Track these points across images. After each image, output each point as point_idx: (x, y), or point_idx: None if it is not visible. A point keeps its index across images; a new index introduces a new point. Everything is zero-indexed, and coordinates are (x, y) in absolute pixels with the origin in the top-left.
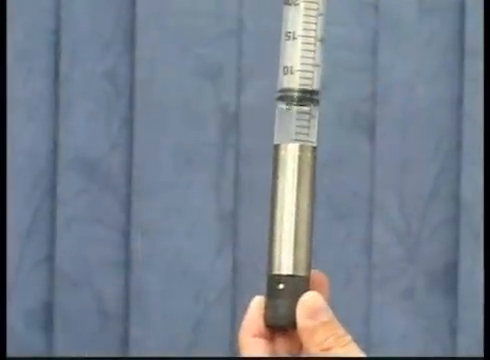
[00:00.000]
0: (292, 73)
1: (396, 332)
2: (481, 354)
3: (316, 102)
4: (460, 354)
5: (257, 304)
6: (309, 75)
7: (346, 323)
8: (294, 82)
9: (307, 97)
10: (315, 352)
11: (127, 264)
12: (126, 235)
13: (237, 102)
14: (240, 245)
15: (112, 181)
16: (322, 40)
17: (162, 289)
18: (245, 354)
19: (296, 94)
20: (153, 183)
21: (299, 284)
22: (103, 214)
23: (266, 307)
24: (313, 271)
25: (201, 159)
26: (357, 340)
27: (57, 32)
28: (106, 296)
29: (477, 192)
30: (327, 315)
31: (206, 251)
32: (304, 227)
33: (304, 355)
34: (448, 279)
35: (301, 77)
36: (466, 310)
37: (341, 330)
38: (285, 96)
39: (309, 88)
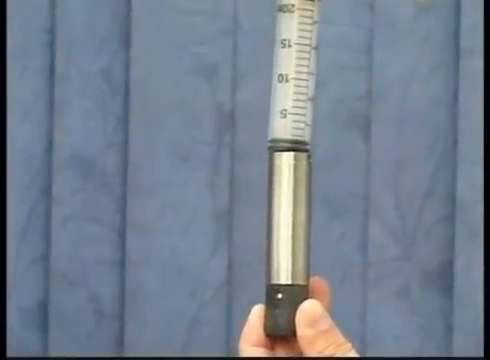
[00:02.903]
0: (287, 81)
1: (391, 331)
2: (477, 353)
3: (306, 151)
4: (456, 353)
5: (257, 313)
6: (303, 84)
7: (341, 321)
8: (285, 130)
9: (298, 147)
10: None
11: (122, 263)
12: (122, 234)
13: (233, 101)
14: (236, 244)
15: (108, 180)
16: (317, 48)
17: (158, 288)
18: None
19: (287, 144)
20: (149, 182)
21: (298, 293)
22: (99, 213)
23: (265, 317)
24: (314, 278)
25: (197, 158)
26: (352, 338)
27: (52, 31)
28: (102, 295)
29: (473, 191)
30: (327, 323)
31: (202, 250)
32: (301, 236)
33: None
34: (444, 278)
35: (295, 85)
36: (462, 309)
37: (341, 338)
38: (274, 147)
39: (300, 139)
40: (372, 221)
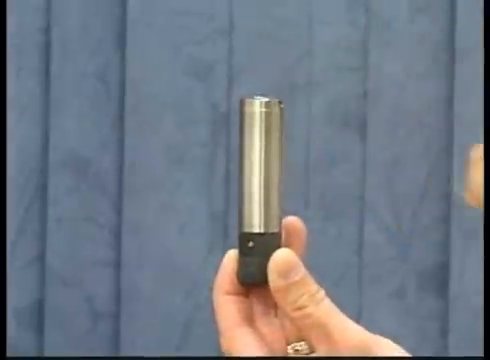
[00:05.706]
0: None
1: (387, 331)
2: (472, 354)
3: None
4: (451, 354)
5: (230, 259)
6: None
7: None
8: None
9: None
10: (289, 311)
11: (118, 263)
12: (117, 234)
13: (228, 101)
14: (231, 244)
15: (103, 180)
16: None
17: (153, 288)
18: (220, 314)
19: None
20: (144, 182)
21: (270, 241)
22: (94, 213)
23: (238, 265)
24: (289, 218)
25: (192, 158)
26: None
27: (48, 31)
28: (97, 295)
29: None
30: (300, 273)
31: (197, 250)
32: (274, 184)
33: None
34: (439, 279)
35: None
36: (457, 310)
37: (314, 286)
38: None
39: None
40: (367, 222)
